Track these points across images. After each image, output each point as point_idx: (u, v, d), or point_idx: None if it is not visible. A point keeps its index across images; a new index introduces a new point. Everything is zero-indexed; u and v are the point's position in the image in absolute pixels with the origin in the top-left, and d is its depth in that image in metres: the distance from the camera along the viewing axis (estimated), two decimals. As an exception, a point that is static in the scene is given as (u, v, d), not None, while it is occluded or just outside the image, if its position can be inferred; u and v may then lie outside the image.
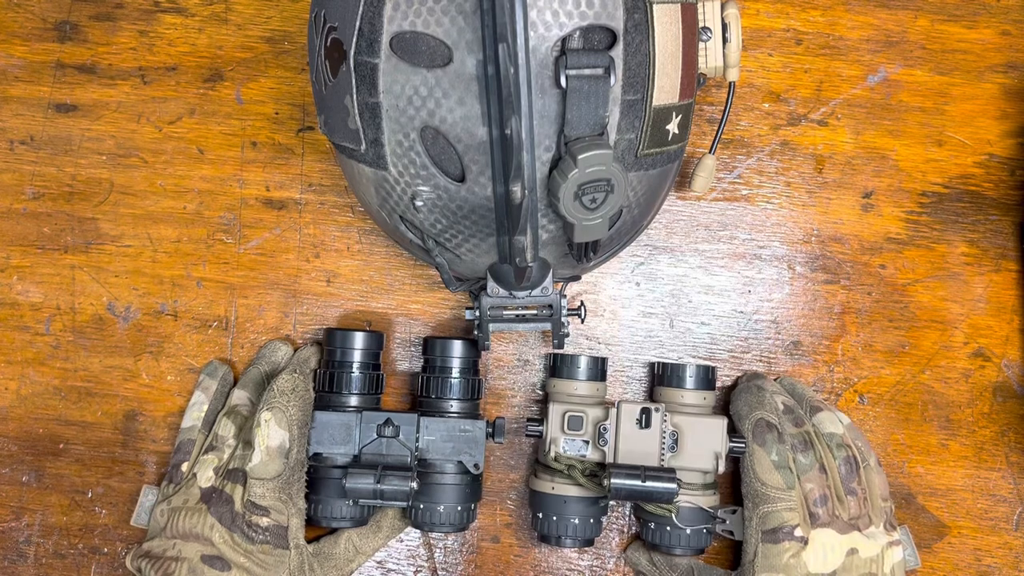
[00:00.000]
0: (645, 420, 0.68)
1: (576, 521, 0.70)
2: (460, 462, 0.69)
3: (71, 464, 0.76)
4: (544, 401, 0.75)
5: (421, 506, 0.69)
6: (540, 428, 0.70)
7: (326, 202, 0.77)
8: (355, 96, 0.55)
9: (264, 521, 0.66)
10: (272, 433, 0.66)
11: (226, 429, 0.70)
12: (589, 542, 0.71)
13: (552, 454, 0.69)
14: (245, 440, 0.69)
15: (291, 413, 0.67)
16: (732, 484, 0.73)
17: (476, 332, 0.66)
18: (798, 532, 0.66)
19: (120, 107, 0.78)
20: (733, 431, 0.70)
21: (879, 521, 0.69)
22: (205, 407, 0.73)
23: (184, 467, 0.71)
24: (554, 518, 0.70)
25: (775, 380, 0.75)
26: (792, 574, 0.65)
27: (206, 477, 0.69)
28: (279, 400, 0.67)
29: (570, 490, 0.69)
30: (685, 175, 0.73)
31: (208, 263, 0.77)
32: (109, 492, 0.76)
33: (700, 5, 0.62)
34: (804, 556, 0.66)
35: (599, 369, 0.72)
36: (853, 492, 0.68)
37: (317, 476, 0.70)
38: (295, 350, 0.75)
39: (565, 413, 0.69)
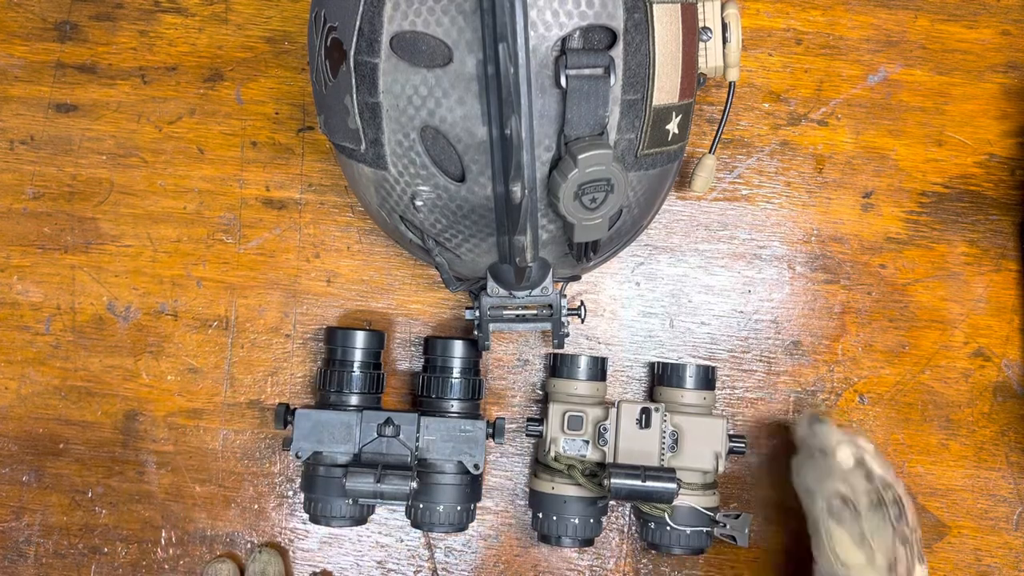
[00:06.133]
0: (645, 420, 0.68)
1: (576, 521, 0.69)
2: (460, 462, 0.69)
3: (71, 464, 0.76)
4: (544, 401, 0.75)
5: (421, 506, 0.69)
6: (540, 428, 0.70)
7: (326, 202, 0.77)
8: (355, 96, 0.55)
9: None
10: None
11: None
12: (589, 542, 0.71)
13: (552, 454, 0.69)
14: None
15: None
16: (731, 488, 0.73)
17: (476, 332, 0.66)
18: None
19: (120, 107, 0.78)
20: (732, 432, 0.70)
21: (915, 559, 0.66)
22: None
23: None
24: (554, 518, 0.70)
25: (798, 421, 0.70)
26: None
27: None
28: None
29: (570, 490, 0.69)
30: (685, 175, 0.73)
31: (208, 263, 0.77)
32: (109, 492, 0.76)
33: (700, 5, 0.62)
34: None
35: (599, 369, 0.72)
36: (906, 539, 0.65)
37: (317, 475, 0.70)
38: (239, 566, 0.73)
39: (565, 413, 0.69)
